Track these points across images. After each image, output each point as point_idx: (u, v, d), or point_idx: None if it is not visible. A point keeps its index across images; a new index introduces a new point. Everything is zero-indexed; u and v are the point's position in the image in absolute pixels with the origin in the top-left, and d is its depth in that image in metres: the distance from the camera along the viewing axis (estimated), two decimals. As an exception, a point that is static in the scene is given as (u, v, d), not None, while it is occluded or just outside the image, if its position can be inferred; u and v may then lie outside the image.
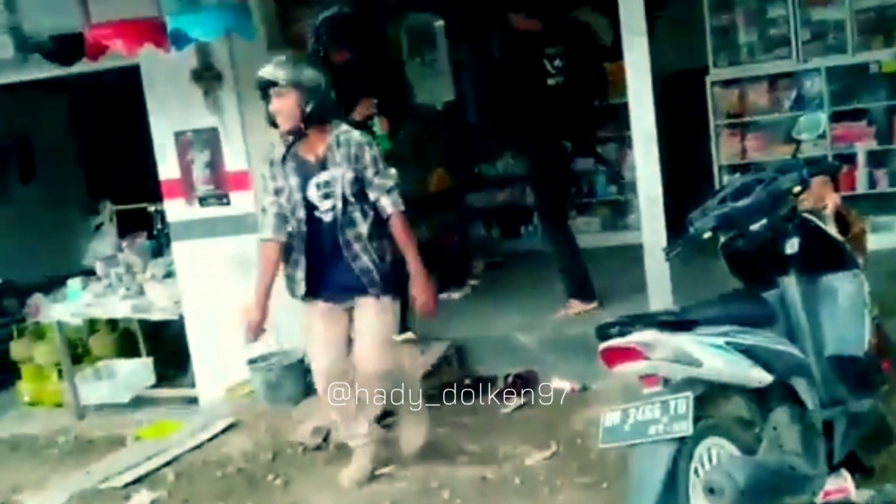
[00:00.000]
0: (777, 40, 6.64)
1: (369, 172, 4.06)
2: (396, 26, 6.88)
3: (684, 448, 2.92)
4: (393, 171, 4.16)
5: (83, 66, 5.52)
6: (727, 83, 6.84)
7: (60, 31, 5.32)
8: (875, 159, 6.54)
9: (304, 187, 4.05)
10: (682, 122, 6.39)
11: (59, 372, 6.31)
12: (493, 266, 7.32)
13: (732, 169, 6.79)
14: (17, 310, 7.14)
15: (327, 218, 4.07)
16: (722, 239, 3.39)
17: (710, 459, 2.99)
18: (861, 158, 6.52)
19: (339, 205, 4.03)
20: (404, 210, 4.15)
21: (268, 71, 4.02)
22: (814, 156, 6.00)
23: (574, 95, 5.55)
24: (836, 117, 6.52)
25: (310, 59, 4.90)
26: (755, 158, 6.73)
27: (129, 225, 6.83)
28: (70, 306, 6.16)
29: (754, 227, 3.27)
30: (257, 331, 4.15)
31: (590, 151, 6.31)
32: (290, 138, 4.07)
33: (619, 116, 6.69)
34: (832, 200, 3.49)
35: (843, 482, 3.20)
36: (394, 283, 4.21)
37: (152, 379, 6.23)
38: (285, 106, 3.98)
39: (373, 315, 4.15)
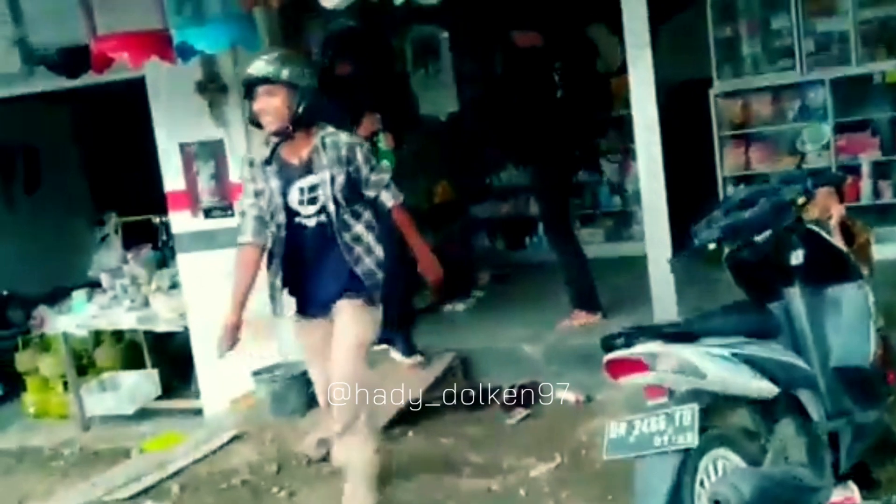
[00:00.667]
0: (781, 51, 6.65)
1: (364, 171, 3.86)
2: (401, 38, 6.90)
3: (689, 460, 2.91)
4: (385, 163, 3.98)
5: (89, 79, 5.54)
6: (731, 94, 6.85)
7: (66, 44, 5.35)
8: (879, 170, 6.53)
9: (285, 191, 3.82)
10: (685, 134, 6.40)
11: (65, 384, 6.33)
12: (497, 277, 7.32)
13: (736, 180, 6.80)
14: (22, 321, 7.16)
15: (310, 223, 3.85)
16: (726, 250, 3.39)
17: (715, 471, 2.99)
18: (865, 169, 6.50)
19: (332, 207, 3.80)
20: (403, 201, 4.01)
21: (258, 67, 3.78)
22: (818, 167, 6.02)
23: (572, 108, 5.54)
24: (840, 128, 6.52)
25: (301, 56, 4.80)
26: (759, 169, 6.74)
27: (135, 236, 6.85)
28: (75, 318, 6.18)
29: (759, 238, 3.27)
30: (232, 338, 3.88)
31: (590, 163, 6.34)
32: (275, 140, 3.85)
33: (624, 128, 6.75)
34: (836, 211, 3.49)
35: (849, 493, 3.19)
36: (381, 290, 3.99)
37: (157, 391, 6.24)
38: (274, 105, 3.74)
39: (349, 317, 3.87)
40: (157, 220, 6.30)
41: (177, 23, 4.86)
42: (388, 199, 3.94)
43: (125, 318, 6.03)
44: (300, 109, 3.75)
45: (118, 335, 6.50)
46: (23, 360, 6.64)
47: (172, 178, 5.80)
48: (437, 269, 4.13)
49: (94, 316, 6.13)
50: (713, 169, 6.85)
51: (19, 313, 7.30)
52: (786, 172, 4.14)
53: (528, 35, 5.59)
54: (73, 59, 5.39)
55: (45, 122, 8.14)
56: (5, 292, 7.56)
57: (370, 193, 3.91)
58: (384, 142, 5.26)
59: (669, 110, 5.19)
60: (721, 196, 6.61)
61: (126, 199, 7.42)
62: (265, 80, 3.74)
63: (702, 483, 2.94)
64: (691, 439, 2.84)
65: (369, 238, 3.92)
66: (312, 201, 3.82)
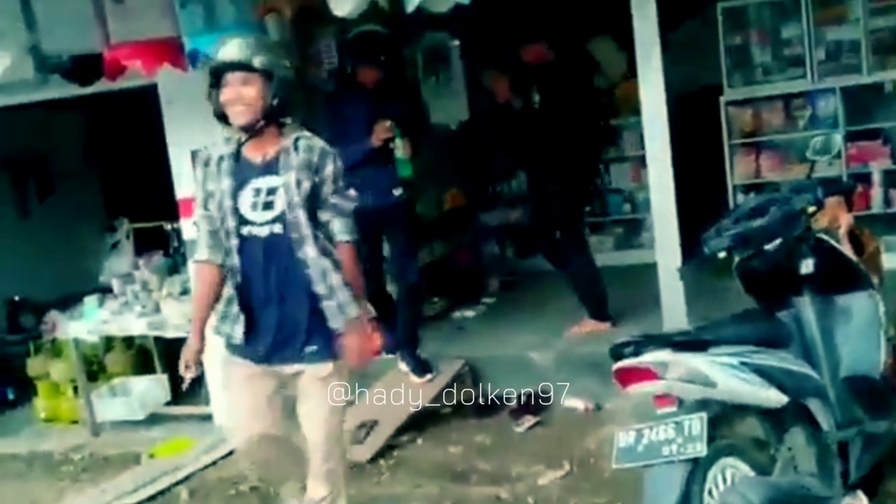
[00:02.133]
0: (791, 60, 6.65)
1: (326, 188, 3.32)
2: (413, 46, 6.92)
3: (698, 469, 2.92)
4: (353, 192, 3.44)
5: (101, 86, 5.58)
6: (741, 102, 6.85)
7: (79, 51, 5.38)
8: (890, 179, 6.52)
9: (236, 192, 3.31)
10: (696, 142, 6.41)
11: (75, 389, 6.34)
12: (506, 285, 7.33)
13: (746, 188, 6.79)
14: (33, 326, 7.19)
15: (262, 233, 3.31)
16: (737, 259, 3.39)
17: (724, 480, 2.99)
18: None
19: (292, 216, 3.27)
20: (355, 241, 3.43)
21: (231, 51, 3.28)
22: (828, 175, 6.01)
23: (569, 121, 5.52)
24: (850, 137, 6.51)
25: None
26: (770, 178, 6.73)
27: (146, 243, 6.87)
28: (86, 323, 6.19)
29: (769, 247, 3.27)
30: (196, 366, 3.54)
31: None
32: (241, 136, 3.36)
33: (636, 135, 6.76)
34: (845, 220, 3.49)
35: (857, 503, 3.19)
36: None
37: (167, 396, 6.25)
38: (248, 95, 3.24)
39: (318, 392, 3.40)
40: (168, 226, 6.32)
41: (189, 30, 4.89)
42: (342, 231, 3.37)
43: (136, 324, 6.04)
44: (274, 102, 3.28)
45: (129, 341, 6.52)
46: (34, 366, 6.66)
47: (184, 185, 5.81)
48: (363, 347, 3.40)
49: (105, 321, 6.15)
50: (723, 177, 6.85)
51: (31, 318, 7.33)
52: (796, 181, 4.14)
53: (535, 49, 5.59)
54: (87, 67, 5.41)
55: (58, 129, 8.18)
56: (17, 298, 7.60)
57: (324, 216, 3.35)
58: (401, 150, 5.16)
59: (680, 118, 5.19)
60: (731, 204, 6.61)
61: (138, 205, 7.44)
62: (239, 66, 3.26)
63: (710, 492, 2.95)
64: (700, 448, 2.84)
65: (328, 263, 3.34)
66: (268, 206, 3.30)
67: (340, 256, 3.36)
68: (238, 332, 3.39)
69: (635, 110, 5.51)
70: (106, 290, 6.53)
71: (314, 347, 3.35)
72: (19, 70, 5.20)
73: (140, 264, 6.45)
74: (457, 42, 7.32)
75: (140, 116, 6.32)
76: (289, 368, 3.40)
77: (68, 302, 6.66)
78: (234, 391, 3.52)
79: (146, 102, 5.85)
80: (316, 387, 3.40)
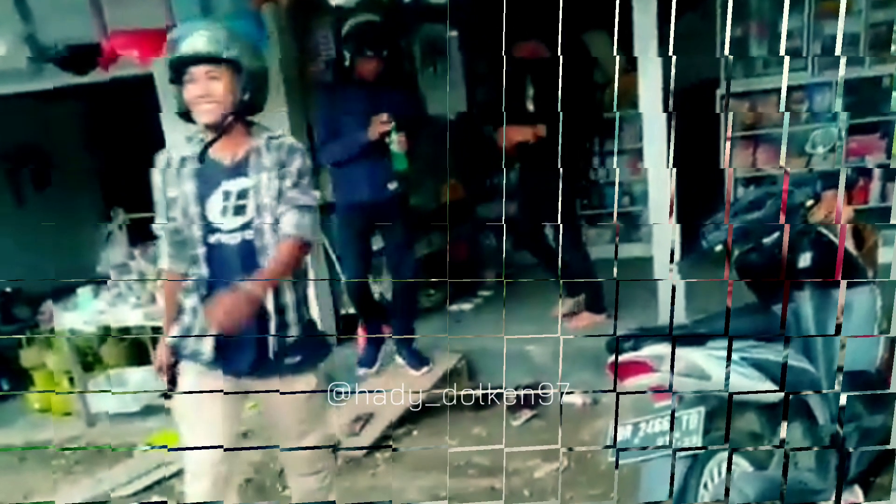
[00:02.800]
0: (790, 53, 6.63)
1: (287, 182, 3.04)
2: (411, 37, 6.89)
3: (695, 462, 2.91)
4: (317, 193, 3.18)
5: (98, 76, 5.55)
6: (740, 95, 6.84)
7: (75, 41, 5.35)
8: (889, 172, 6.51)
9: (203, 197, 3.06)
10: (694, 134, 6.39)
11: (71, 379, 6.33)
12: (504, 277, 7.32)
13: (745, 182, 6.78)
14: (28, 317, 7.17)
15: (233, 241, 3.05)
16: (735, 252, 3.38)
17: (720, 474, 2.98)
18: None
19: (260, 219, 3.05)
20: (308, 243, 3.09)
21: (197, 43, 2.96)
22: (827, 169, 6.01)
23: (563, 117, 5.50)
24: (849, 130, 6.50)
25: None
26: (767, 171, 6.72)
27: (143, 233, 6.85)
28: (82, 314, 6.18)
29: (767, 240, 3.26)
30: (168, 368, 3.27)
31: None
32: (206, 136, 3.08)
33: (634, 128, 6.75)
34: (844, 214, 3.48)
35: (854, 498, 3.18)
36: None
37: (163, 387, 6.23)
38: (217, 90, 2.97)
39: (301, 409, 3.26)
40: (164, 217, 6.29)
41: (184, 20, 4.86)
42: (290, 225, 3.04)
43: (132, 315, 6.03)
44: (244, 97, 3.02)
45: (124, 332, 6.51)
46: (29, 356, 6.65)
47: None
48: (225, 310, 2.90)
49: (100, 312, 6.13)
50: (721, 170, 6.84)
51: (25, 309, 7.31)
52: (795, 174, 4.12)
53: (528, 46, 5.56)
54: (82, 56, 5.38)
55: (55, 119, 8.15)
56: (10, 289, 7.57)
57: (279, 209, 3.05)
58: (397, 144, 5.07)
59: (678, 110, 5.16)
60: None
61: (135, 195, 7.41)
62: (206, 59, 2.97)
63: (707, 486, 2.93)
64: (696, 442, 2.83)
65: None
66: (239, 211, 3.05)
67: (282, 248, 3.04)
68: (206, 348, 3.12)
69: (633, 103, 5.49)
70: (102, 281, 6.51)
71: (297, 359, 3.16)
72: (14, 59, 5.17)
73: (136, 254, 6.43)
74: (455, 33, 7.29)
75: (137, 106, 6.29)
76: (267, 381, 3.16)
77: (63, 293, 6.64)
78: (204, 410, 3.17)
79: (143, 92, 5.82)
80: (296, 399, 3.23)
